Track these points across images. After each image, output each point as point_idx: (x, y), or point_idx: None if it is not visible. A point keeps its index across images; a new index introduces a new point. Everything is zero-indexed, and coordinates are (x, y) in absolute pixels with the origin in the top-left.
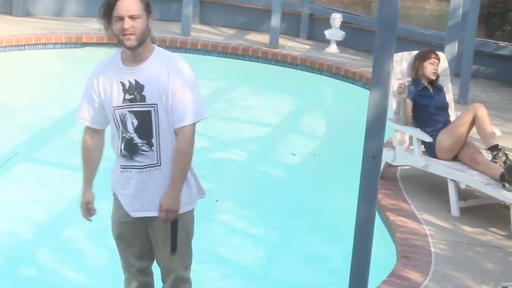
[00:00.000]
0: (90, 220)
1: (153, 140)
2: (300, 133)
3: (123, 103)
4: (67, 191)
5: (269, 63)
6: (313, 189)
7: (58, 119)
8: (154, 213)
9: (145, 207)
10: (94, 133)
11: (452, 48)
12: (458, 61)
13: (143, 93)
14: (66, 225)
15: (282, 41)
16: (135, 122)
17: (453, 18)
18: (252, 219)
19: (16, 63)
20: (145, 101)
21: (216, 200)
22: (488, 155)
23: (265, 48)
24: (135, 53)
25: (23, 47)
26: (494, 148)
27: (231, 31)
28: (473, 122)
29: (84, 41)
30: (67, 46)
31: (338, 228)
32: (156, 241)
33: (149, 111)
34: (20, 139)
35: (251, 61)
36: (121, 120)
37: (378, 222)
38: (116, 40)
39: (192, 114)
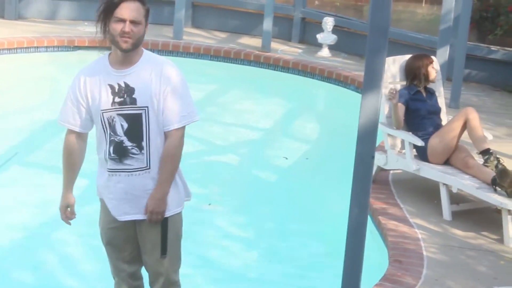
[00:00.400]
0: (69, 223)
1: (143, 143)
2: (292, 136)
3: (112, 106)
4: (59, 194)
5: (261, 67)
6: (305, 193)
7: (50, 122)
8: (143, 217)
9: (133, 211)
10: (78, 136)
11: (444, 52)
12: (449, 65)
13: (133, 96)
14: (58, 229)
15: (274, 44)
16: (125, 125)
17: (444, 22)
18: (244, 222)
19: (8, 66)
20: (135, 104)
21: (209, 204)
22: (479, 159)
23: (257, 52)
24: (125, 56)
25: (15, 50)
26: (486, 152)
27: (223, 35)
28: (465, 126)
29: (76, 45)
30: (59, 49)
31: (330, 232)
32: (144, 245)
33: (140, 114)
34: (12, 142)
35: (243, 64)
36: (109, 123)
37: (370, 226)
38: (109, 39)
39: (181, 117)
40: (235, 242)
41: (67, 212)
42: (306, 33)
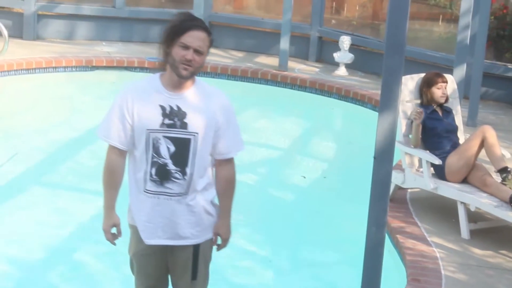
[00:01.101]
0: (114, 244)
1: (187, 169)
2: (310, 155)
3: (160, 127)
4: (77, 215)
5: (278, 86)
6: (323, 211)
7: (68, 143)
8: (177, 242)
9: (166, 235)
10: (119, 154)
11: (461, 70)
12: (467, 83)
13: (184, 120)
14: (77, 249)
15: (291, 63)
16: (172, 148)
17: (461, 41)
18: (262, 241)
19: (26, 86)
20: (186, 129)
21: None
22: (497, 178)
23: (274, 71)
24: (180, 81)
25: (34, 70)
26: (504, 171)
27: (240, 54)
28: (482, 144)
29: (94, 65)
30: (77, 69)
31: (349, 251)
32: (175, 269)
33: (189, 139)
34: (30, 162)
35: (260, 83)
36: (153, 144)
37: (388, 245)
38: (169, 63)
39: (236, 145)
40: (253, 260)
41: (113, 233)
42: (323, 52)
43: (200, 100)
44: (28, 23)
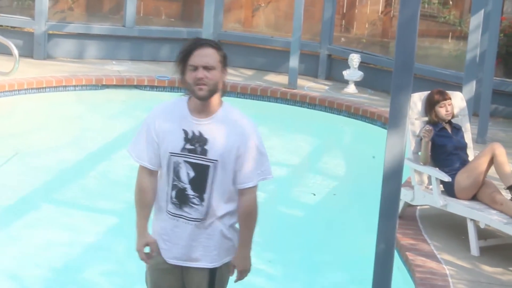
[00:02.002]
0: (149, 263)
1: (205, 195)
2: (319, 173)
3: (181, 151)
4: (87, 233)
5: (288, 104)
6: (333, 228)
7: (78, 161)
8: (191, 264)
9: (184, 257)
10: (150, 174)
11: (470, 87)
12: (476, 100)
13: (205, 147)
14: (86, 268)
15: (301, 81)
16: (191, 174)
17: (470, 58)
18: (272, 259)
19: (37, 105)
20: (206, 155)
21: None
22: (507, 195)
23: (283, 89)
24: (203, 104)
25: (44, 89)
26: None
27: (250, 72)
28: (491, 161)
29: (104, 83)
30: (88, 88)
31: (358, 268)
32: None
33: (208, 166)
34: (40, 181)
35: (270, 101)
36: (174, 167)
37: (397, 262)
38: (188, 89)
39: (257, 175)
40: (263, 279)
41: (146, 252)
42: (333, 70)
43: (223, 127)
44: (38, 42)
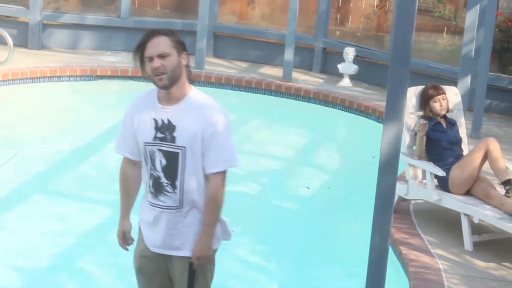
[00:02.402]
0: (126, 249)
1: (177, 183)
2: (313, 166)
3: (153, 140)
4: (81, 224)
5: (282, 97)
6: (327, 222)
7: (72, 152)
8: (172, 253)
9: (164, 246)
10: (131, 164)
11: (465, 82)
12: (471, 95)
13: (174, 134)
14: (80, 258)
15: (296, 74)
16: (164, 162)
17: (466, 53)
18: (266, 251)
19: (31, 95)
20: (174, 142)
21: (232, 231)
22: (501, 190)
23: (278, 82)
24: (169, 92)
25: (38, 79)
26: (508, 183)
27: (244, 65)
28: (486, 156)
29: (98, 74)
30: (82, 79)
31: (352, 261)
32: (174, 280)
33: (177, 153)
34: (34, 171)
35: (264, 94)
36: (151, 156)
37: (391, 256)
38: (151, 80)
39: (223, 161)
40: (255, 271)
41: (124, 238)
42: (327, 63)
43: (190, 113)
44: (33, 32)
